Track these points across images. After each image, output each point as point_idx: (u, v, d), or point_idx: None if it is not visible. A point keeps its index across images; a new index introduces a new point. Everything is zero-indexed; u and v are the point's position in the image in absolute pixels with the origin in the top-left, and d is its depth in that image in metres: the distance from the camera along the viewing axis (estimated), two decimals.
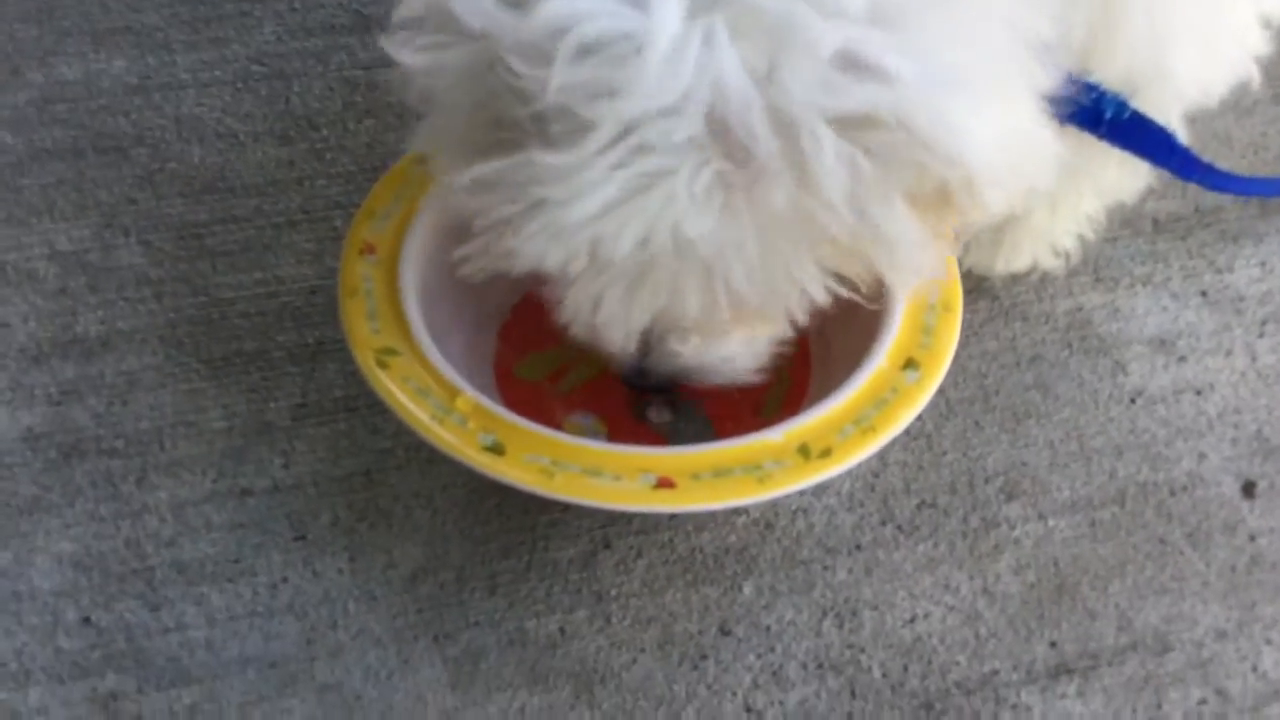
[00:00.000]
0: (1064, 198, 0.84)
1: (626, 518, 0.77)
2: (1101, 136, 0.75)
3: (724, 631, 0.74)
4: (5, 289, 0.87)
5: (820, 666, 0.72)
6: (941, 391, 0.73)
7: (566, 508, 0.75)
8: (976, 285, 0.88)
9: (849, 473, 0.77)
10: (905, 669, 0.72)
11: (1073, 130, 0.73)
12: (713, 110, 0.53)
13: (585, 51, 0.53)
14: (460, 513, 0.77)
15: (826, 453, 0.68)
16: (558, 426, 0.75)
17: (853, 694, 0.72)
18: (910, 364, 0.73)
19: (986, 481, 0.80)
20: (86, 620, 0.73)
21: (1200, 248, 0.93)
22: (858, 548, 0.77)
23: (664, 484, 0.66)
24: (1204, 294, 0.90)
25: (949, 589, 0.75)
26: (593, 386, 0.80)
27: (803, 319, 0.65)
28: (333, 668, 0.71)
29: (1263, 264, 0.92)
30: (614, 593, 0.75)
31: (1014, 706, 0.71)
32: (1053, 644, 0.73)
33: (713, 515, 0.78)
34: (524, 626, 0.73)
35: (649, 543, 0.77)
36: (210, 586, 0.74)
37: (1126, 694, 0.72)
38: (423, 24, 0.58)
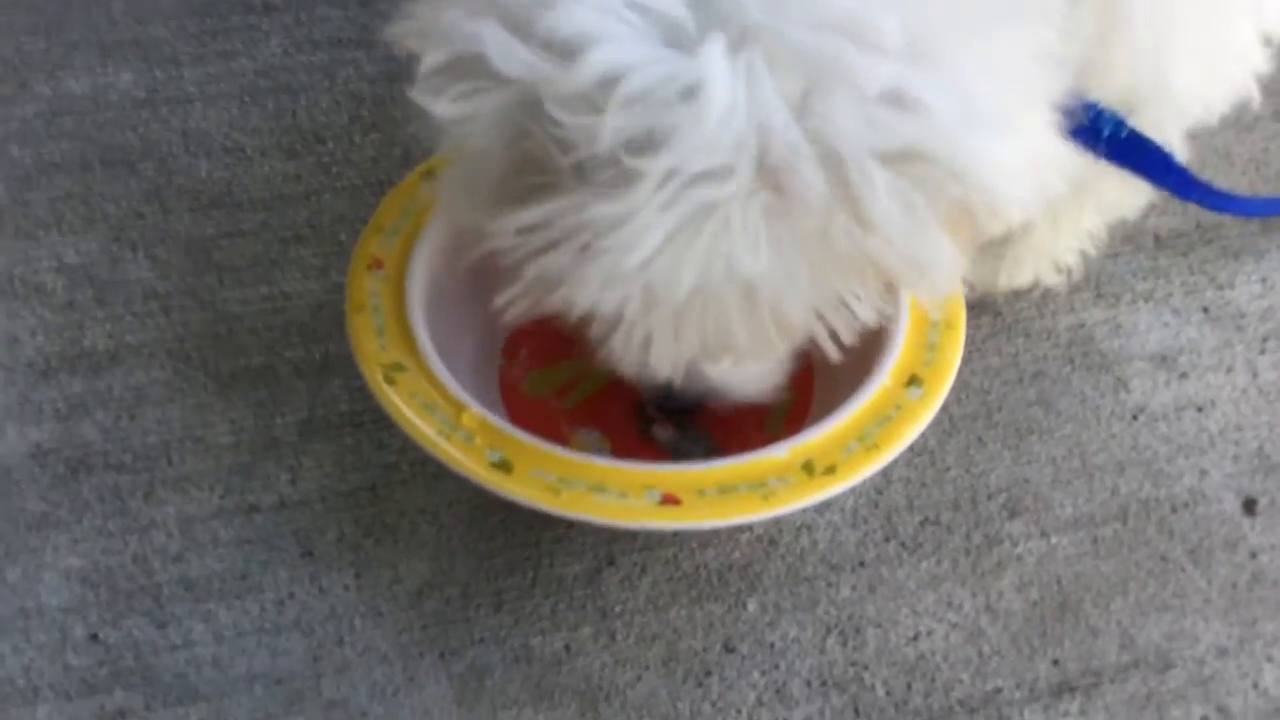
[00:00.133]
0: (1066, 214, 0.85)
1: (631, 534, 0.77)
2: (1100, 155, 0.76)
3: (728, 649, 0.74)
4: (14, 303, 0.88)
5: (824, 684, 0.73)
6: (945, 408, 0.73)
7: (571, 524, 0.75)
8: (979, 301, 0.89)
9: (853, 489, 0.77)
10: (909, 687, 0.73)
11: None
12: (760, 149, 0.54)
13: (634, 100, 0.53)
14: (465, 528, 0.78)
15: (831, 470, 0.68)
16: (564, 442, 0.76)
17: (856, 712, 0.72)
18: (913, 381, 0.73)
19: (989, 498, 0.81)
20: (94, 637, 0.73)
21: (1202, 264, 0.93)
22: (861, 564, 0.77)
23: (669, 501, 0.67)
24: (1205, 310, 0.91)
25: (952, 606, 0.76)
26: (597, 402, 0.80)
27: (847, 338, 0.65)
28: (339, 684, 0.72)
29: (1264, 280, 0.93)
30: (619, 609, 0.75)
31: None
32: (1055, 662, 0.74)
33: (717, 532, 0.78)
34: (529, 643, 0.74)
35: (653, 559, 0.77)
36: (217, 603, 0.74)
37: (1129, 712, 0.72)
38: (452, 72, 0.57)
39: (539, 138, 0.56)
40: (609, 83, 0.53)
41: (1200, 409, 0.85)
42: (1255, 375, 0.87)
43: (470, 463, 0.67)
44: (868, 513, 0.80)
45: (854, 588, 0.76)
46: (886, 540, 0.79)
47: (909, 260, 0.58)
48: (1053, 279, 0.90)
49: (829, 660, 0.74)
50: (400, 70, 1.05)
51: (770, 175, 0.54)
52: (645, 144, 0.53)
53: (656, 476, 0.68)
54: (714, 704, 0.72)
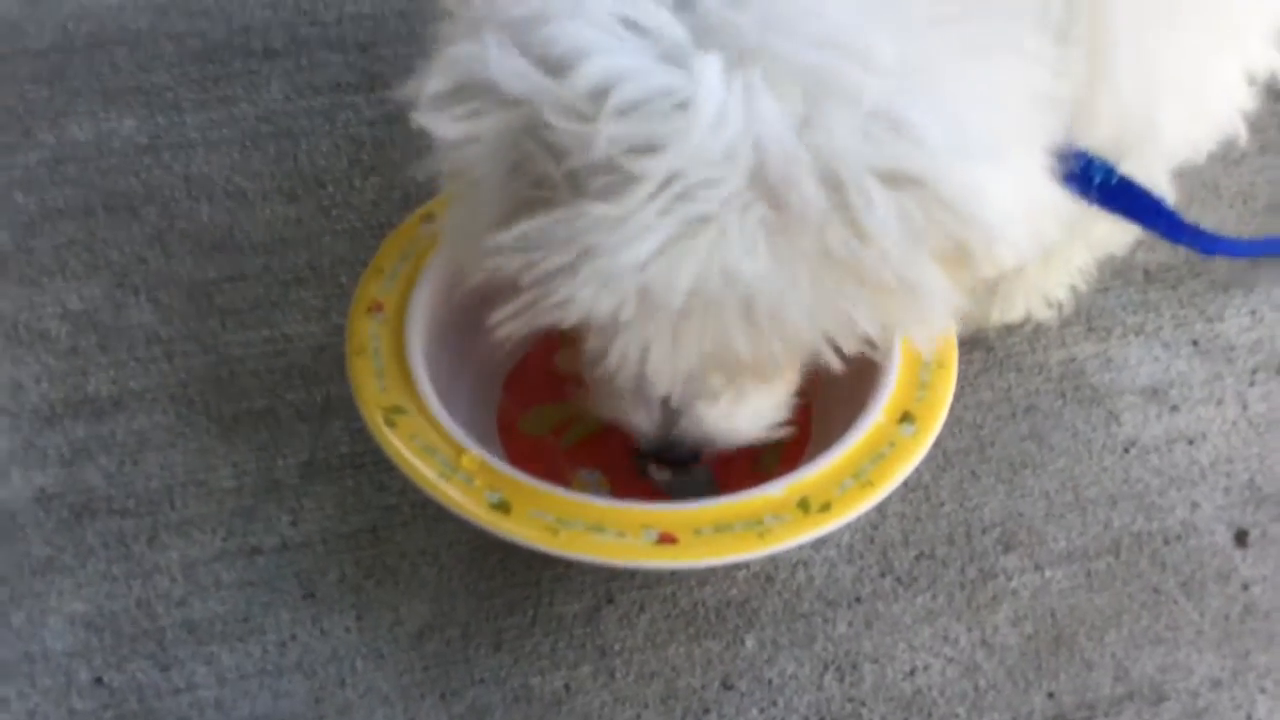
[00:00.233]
0: (1056, 251, 0.86)
1: (629, 572, 0.78)
2: (1091, 201, 0.77)
3: (726, 686, 0.75)
4: (18, 349, 0.89)
5: None
6: (938, 443, 0.74)
7: (570, 563, 0.76)
8: (971, 336, 0.90)
9: (848, 525, 0.78)
10: None
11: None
12: (756, 161, 0.55)
13: (629, 108, 0.54)
14: (466, 568, 0.79)
15: (826, 507, 0.69)
16: (565, 481, 0.77)
17: None
18: (906, 418, 0.74)
19: (984, 532, 0.81)
20: (98, 681, 0.74)
21: (1191, 297, 0.95)
22: (858, 600, 0.78)
23: (666, 539, 0.68)
24: (1195, 343, 0.92)
25: (948, 641, 0.76)
26: (595, 441, 0.81)
27: (850, 350, 0.65)
28: None
29: (1253, 313, 0.94)
30: (617, 648, 0.76)
31: None
32: (1050, 695, 0.75)
33: (714, 569, 0.79)
34: (529, 683, 0.74)
35: (652, 597, 0.78)
36: (220, 646, 0.75)
37: None
38: (456, 95, 0.59)
39: (538, 155, 0.57)
40: (603, 91, 0.54)
41: (1191, 441, 0.86)
42: (1245, 407, 0.88)
43: (469, 504, 0.68)
44: (864, 548, 0.81)
45: (850, 623, 0.77)
46: (882, 575, 0.79)
47: (903, 280, 0.59)
48: (1044, 314, 0.91)
49: (826, 696, 0.74)
50: (399, 114, 1.08)
51: (766, 188, 0.55)
52: (639, 150, 0.54)
53: (653, 516, 0.69)
54: None
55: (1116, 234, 0.87)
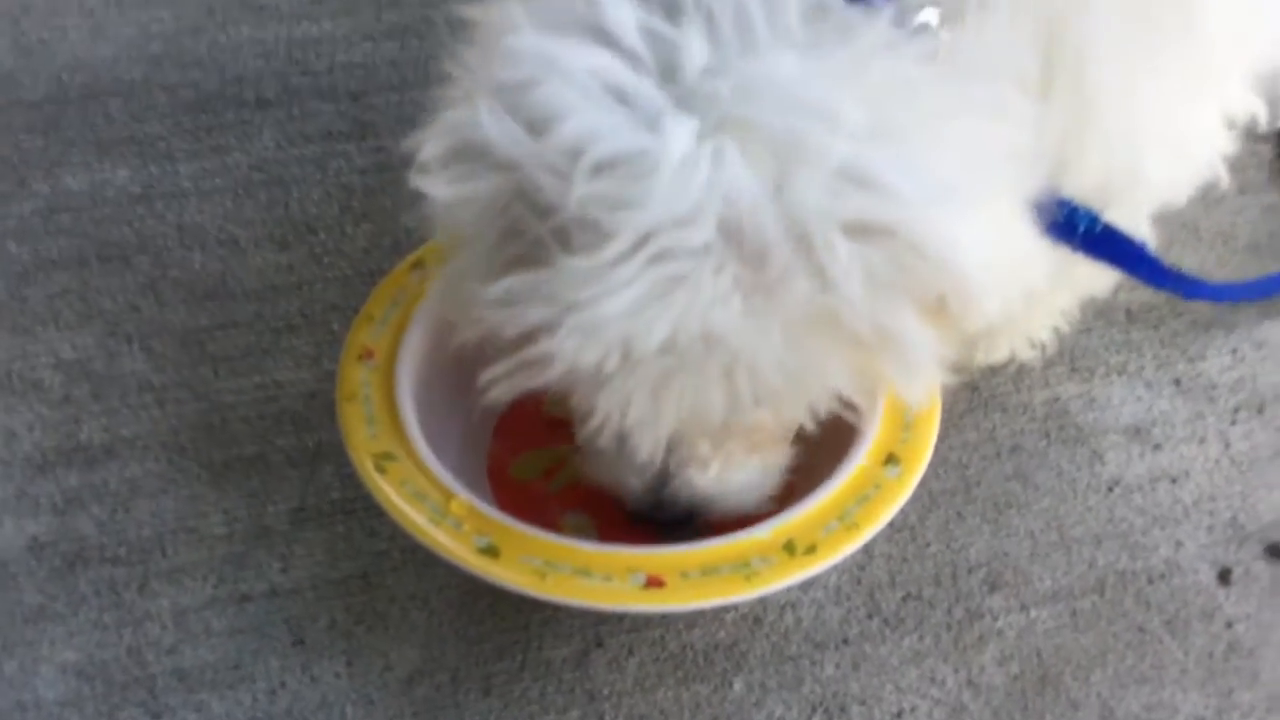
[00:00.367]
0: (1039, 293, 0.87)
1: (618, 616, 0.79)
2: (1075, 248, 0.78)
3: None
4: (11, 398, 0.90)
5: None
6: (924, 483, 0.75)
7: (560, 607, 0.77)
8: (957, 366, 0.90)
9: (835, 566, 0.79)
10: None
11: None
12: (725, 219, 0.56)
13: (602, 167, 0.56)
14: (455, 613, 0.79)
15: (812, 549, 0.70)
16: (554, 525, 0.78)
17: None
18: (891, 460, 0.75)
19: (969, 572, 0.82)
20: None
21: (1173, 337, 0.96)
22: (845, 642, 0.79)
23: (653, 583, 0.68)
24: (1177, 382, 0.93)
25: (935, 682, 0.77)
26: (584, 485, 0.82)
27: (823, 413, 0.66)
28: None
29: (1234, 352, 0.95)
30: (606, 691, 0.76)
31: None
32: None
33: (702, 612, 0.79)
34: None
35: (640, 640, 0.78)
36: (210, 693, 0.75)
37: None
38: (451, 158, 0.61)
39: (527, 217, 0.59)
40: (579, 150, 0.56)
41: (1174, 480, 0.87)
42: (1227, 446, 0.89)
43: (458, 549, 0.69)
44: (850, 589, 0.81)
45: (838, 665, 0.78)
46: (869, 617, 0.80)
47: (880, 332, 0.60)
48: (1028, 354, 0.92)
49: None
50: (390, 162, 1.09)
51: (738, 246, 0.57)
52: (613, 207, 0.56)
53: (641, 559, 0.70)
54: None
55: (1098, 276, 0.88)
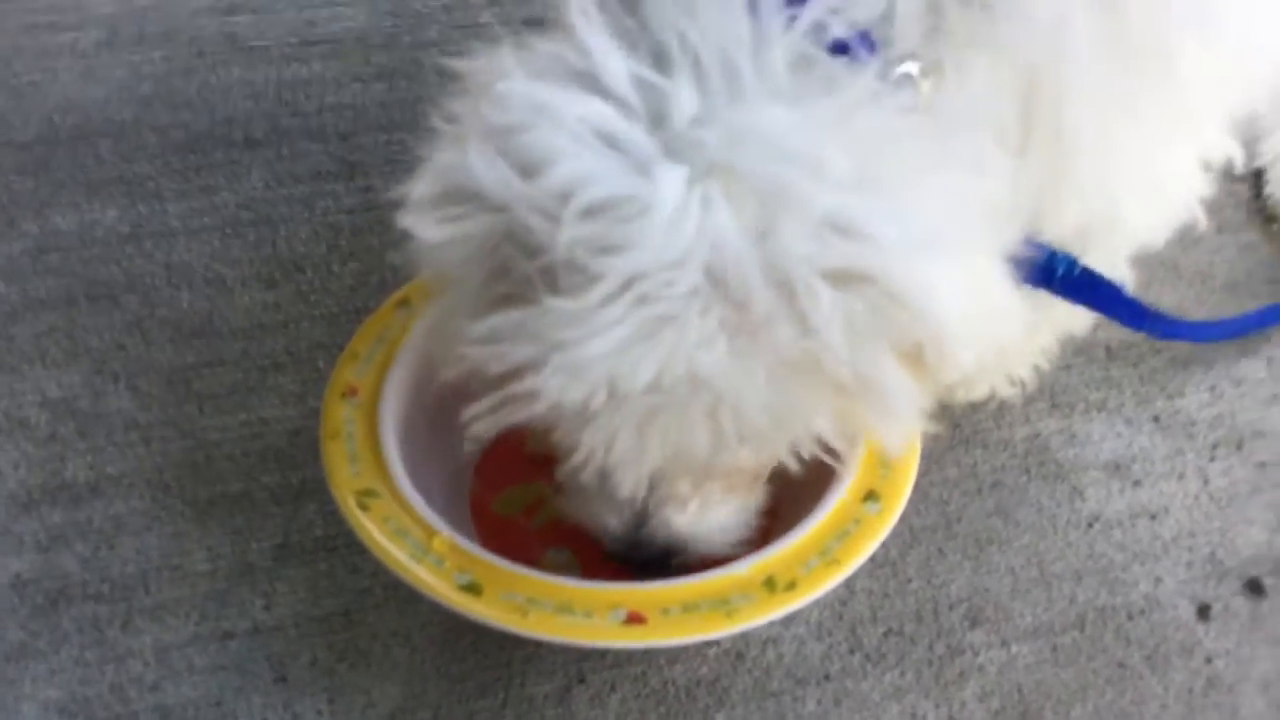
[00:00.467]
0: (1013, 344, 0.88)
1: (600, 652, 0.79)
2: (1054, 292, 0.79)
3: None
4: None
5: None
6: (905, 519, 0.76)
7: (541, 643, 0.77)
8: (936, 413, 0.91)
9: (817, 602, 0.79)
10: None
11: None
12: (711, 265, 0.57)
13: (591, 210, 0.57)
14: (438, 650, 0.79)
15: (792, 585, 0.70)
16: (537, 561, 0.78)
17: None
18: (871, 496, 0.75)
19: (951, 608, 0.82)
20: None
21: (1152, 374, 0.96)
22: (826, 678, 0.79)
23: (634, 619, 0.69)
24: (1156, 419, 0.94)
25: (916, 717, 0.77)
26: (566, 521, 0.82)
27: (806, 456, 0.67)
28: None
29: (1212, 389, 0.96)
30: None
31: None
32: None
33: (684, 647, 0.79)
34: None
35: (622, 676, 0.78)
36: None
37: None
38: (441, 200, 0.62)
39: (515, 258, 0.60)
40: (569, 193, 0.57)
41: (1154, 516, 0.88)
42: (1206, 482, 0.90)
43: (440, 586, 0.69)
44: (832, 625, 0.81)
45: (819, 701, 0.78)
46: (851, 652, 0.80)
47: (860, 378, 0.61)
48: (1008, 391, 0.93)
49: None
50: (378, 202, 1.10)
51: (724, 291, 0.58)
52: (601, 249, 0.57)
53: (622, 596, 0.70)
54: None
55: (1077, 315, 0.89)
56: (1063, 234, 0.79)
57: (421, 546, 0.71)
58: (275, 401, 0.93)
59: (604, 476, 0.65)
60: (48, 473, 0.88)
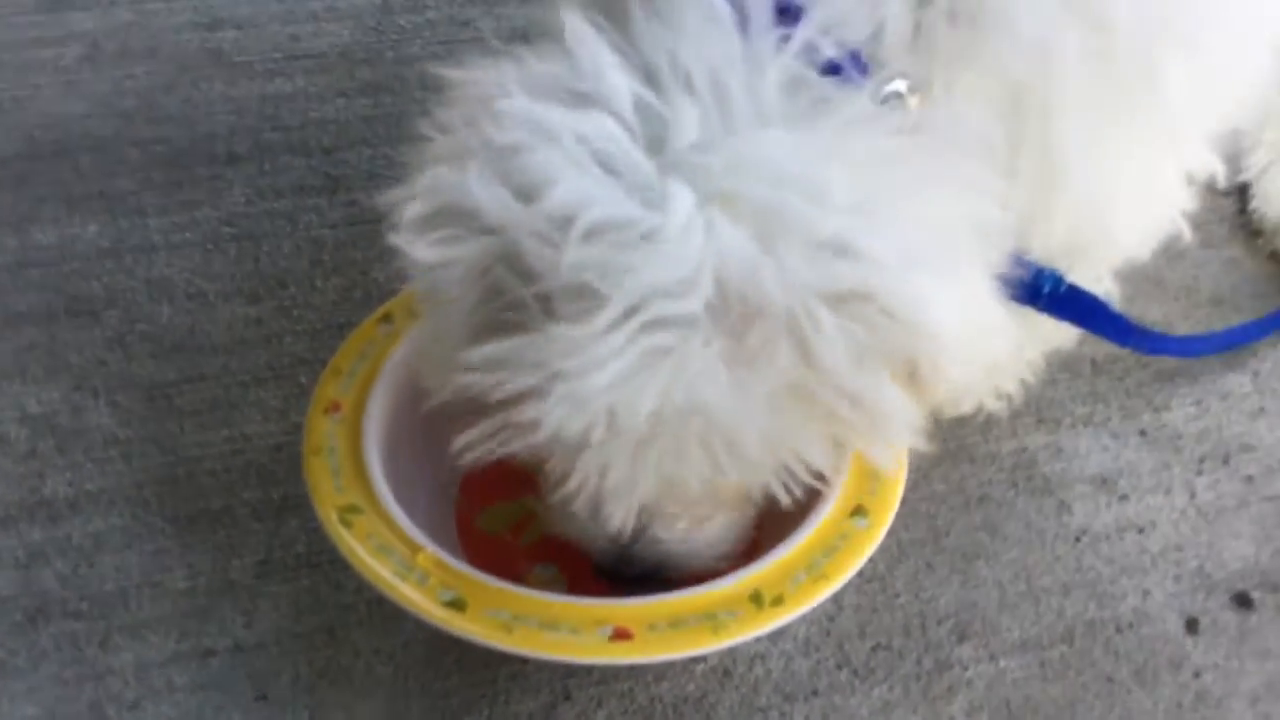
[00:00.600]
0: (1001, 362, 0.88)
1: (586, 668, 0.78)
2: (1040, 309, 0.80)
3: None
4: None
5: None
6: (893, 533, 0.75)
7: (527, 660, 0.76)
8: (928, 430, 0.91)
9: (804, 617, 0.79)
10: None
11: None
12: (716, 292, 0.57)
13: (594, 234, 0.57)
14: (422, 668, 0.78)
15: (779, 601, 0.70)
16: (522, 577, 0.77)
17: None
18: (858, 511, 0.75)
19: (939, 623, 0.82)
20: None
21: (1138, 388, 0.96)
22: (814, 693, 0.78)
23: (620, 635, 0.68)
24: (1143, 433, 0.93)
25: None
26: (553, 538, 0.81)
27: (798, 488, 0.67)
28: None
29: (1198, 403, 0.96)
30: None
31: None
32: None
33: (671, 664, 0.79)
34: None
35: (609, 693, 0.78)
36: None
37: None
38: (435, 220, 0.61)
39: (510, 280, 0.59)
40: (570, 217, 0.57)
41: (1141, 530, 0.87)
42: (1193, 496, 0.90)
43: (424, 602, 0.69)
44: (820, 640, 0.81)
45: (808, 717, 0.77)
46: (839, 668, 0.79)
47: (858, 403, 0.61)
48: (995, 405, 0.92)
49: None
50: (361, 216, 1.10)
51: (725, 319, 0.58)
52: (604, 275, 0.56)
53: (608, 611, 0.69)
54: None
55: (1063, 329, 0.89)
56: (1050, 249, 0.79)
57: (405, 563, 0.71)
58: (257, 417, 0.92)
59: (596, 504, 0.65)
60: (26, 489, 0.87)
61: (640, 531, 0.71)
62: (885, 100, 0.65)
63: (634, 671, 0.78)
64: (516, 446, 0.62)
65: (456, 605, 0.69)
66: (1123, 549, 0.86)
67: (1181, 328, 1.01)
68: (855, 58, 0.65)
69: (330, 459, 0.76)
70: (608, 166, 0.58)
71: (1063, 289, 0.80)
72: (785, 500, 0.68)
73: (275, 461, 0.89)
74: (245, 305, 1.00)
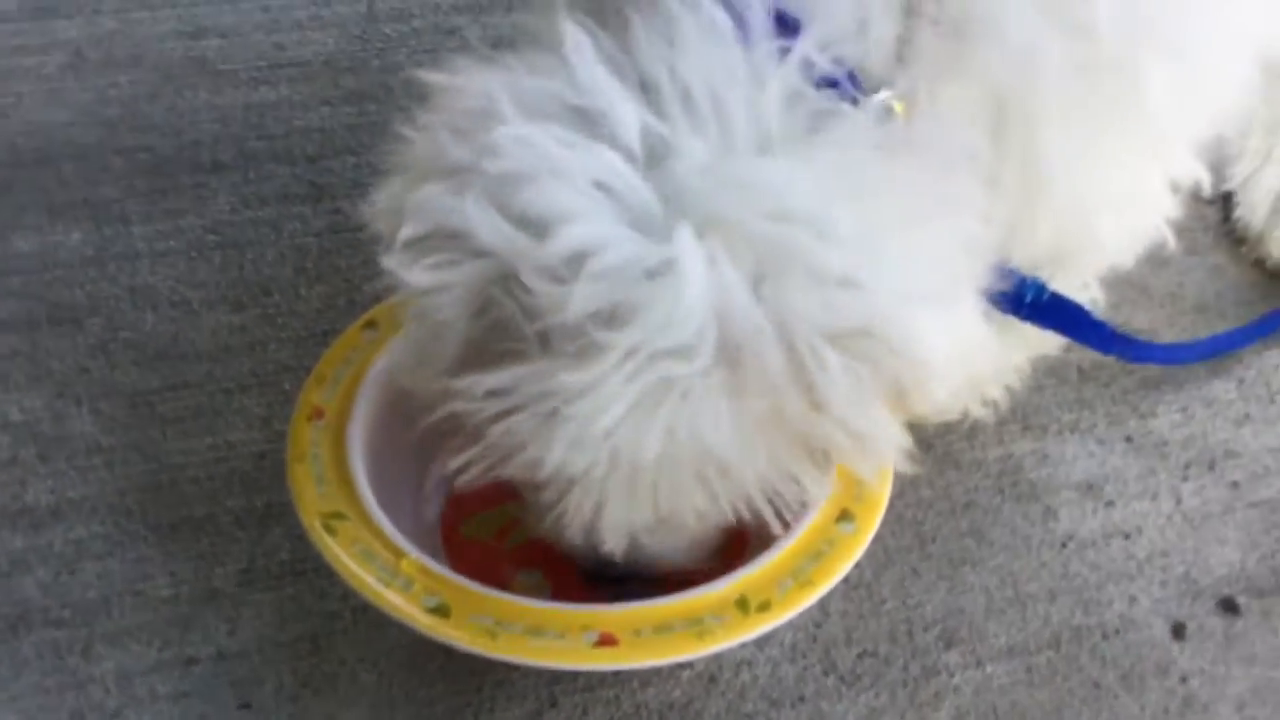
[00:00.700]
0: (982, 376, 0.88)
1: (571, 675, 0.78)
2: (1024, 318, 0.80)
3: None
4: None
5: None
6: (879, 540, 0.75)
7: (512, 666, 0.76)
8: (910, 434, 0.91)
9: (791, 623, 0.78)
10: None
11: None
12: (718, 330, 0.57)
13: (602, 276, 0.56)
14: (406, 675, 0.78)
15: (765, 606, 0.70)
16: (506, 584, 0.77)
17: None
18: (845, 516, 0.75)
19: (925, 629, 0.82)
20: None
21: (1124, 394, 0.97)
22: (801, 700, 0.78)
23: (606, 641, 0.68)
24: (1129, 439, 0.94)
25: None
26: (537, 544, 0.81)
27: (788, 512, 0.68)
28: None
29: (1184, 409, 0.96)
30: None
31: None
32: None
33: (657, 670, 0.78)
34: None
35: (594, 700, 0.77)
36: None
37: None
38: (429, 242, 0.60)
39: (507, 307, 0.59)
40: (579, 257, 0.56)
41: (1127, 536, 0.87)
42: (1179, 502, 0.90)
43: (408, 609, 0.68)
44: (806, 646, 0.81)
45: None
46: (825, 674, 0.79)
47: (854, 436, 0.61)
48: (981, 412, 0.92)
49: None
50: (346, 224, 1.09)
51: (728, 354, 0.58)
52: (611, 317, 0.56)
53: (593, 617, 0.69)
54: None
55: (1048, 335, 0.89)
56: (1034, 257, 0.79)
57: (389, 569, 0.70)
58: (241, 425, 0.91)
59: (589, 534, 0.65)
60: (8, 496, 0.86)
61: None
62: (877, 115, 0.65)
63: (620, 678, 0.78)
64: (513, 474, 0.62)
65: (441, 611, 0.68)
66: (1109, 555, 0.86)
67: (1166, 335, 1.02)
68: (851, 75, 0.65)
69: (314, 466, 0.76)
70: (611, 197, 0.58)
71: (1045, 298, 0.81)
72: (777, 527, 0.68)
73: (259, 469, 0.88)
74: (229, 313, 0.99)
